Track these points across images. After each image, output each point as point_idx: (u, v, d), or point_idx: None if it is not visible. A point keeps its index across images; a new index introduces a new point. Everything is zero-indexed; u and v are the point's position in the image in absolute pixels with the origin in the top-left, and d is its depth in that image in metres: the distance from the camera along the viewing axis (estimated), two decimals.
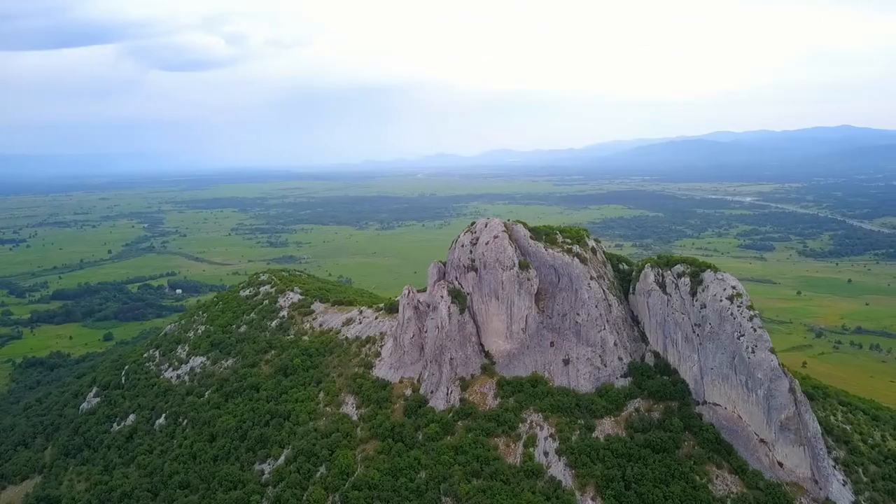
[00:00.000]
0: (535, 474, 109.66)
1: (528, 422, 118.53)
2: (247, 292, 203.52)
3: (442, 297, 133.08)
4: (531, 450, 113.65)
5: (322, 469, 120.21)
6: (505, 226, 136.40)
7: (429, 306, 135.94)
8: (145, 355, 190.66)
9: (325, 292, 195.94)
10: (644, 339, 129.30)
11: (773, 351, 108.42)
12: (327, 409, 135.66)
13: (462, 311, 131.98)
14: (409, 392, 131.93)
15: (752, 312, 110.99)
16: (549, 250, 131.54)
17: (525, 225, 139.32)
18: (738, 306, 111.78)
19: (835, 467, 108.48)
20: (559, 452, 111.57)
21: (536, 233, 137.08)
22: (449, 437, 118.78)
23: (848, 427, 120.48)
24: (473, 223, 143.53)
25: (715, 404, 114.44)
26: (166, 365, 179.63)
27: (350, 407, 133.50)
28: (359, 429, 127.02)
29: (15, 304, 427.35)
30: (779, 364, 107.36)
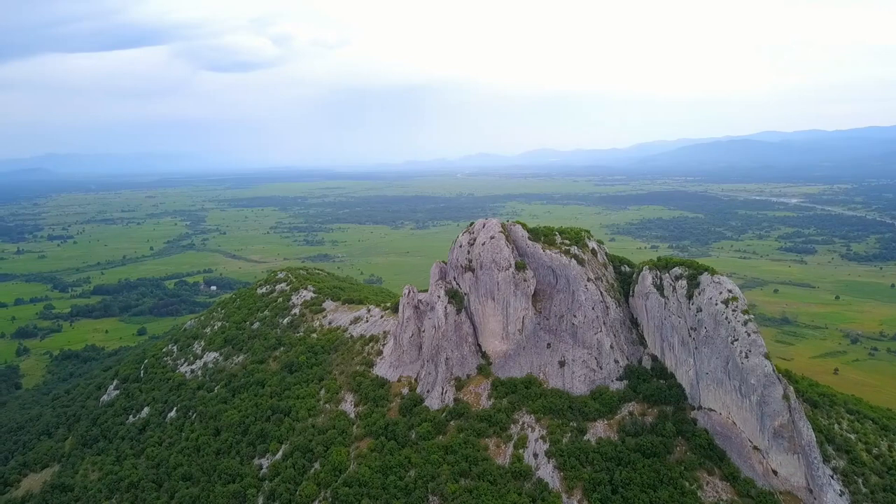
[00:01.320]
0: (522, 476, 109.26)
1: (520, 423, 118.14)
2: (263, 290, 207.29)
3: (439, 297, 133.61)
4: (521, 451, 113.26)
5: (316, 465, 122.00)
6: (503, 226, 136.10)
7: (428, 306, 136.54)
8: (164, 350, 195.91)
9: (339, 291, 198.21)
10: (643, 342, 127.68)
11: (767, 356, 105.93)
12: (327, 405, 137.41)
13: (459, 312, 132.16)
14: (406, 391, 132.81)
15: (746, 317, 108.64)
16: (547, 251, 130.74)
17: (524, 226, 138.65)
18: (733, 310, 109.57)
19: (832, 477, 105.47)
20: (549, 454, 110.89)
21: (535, 233, 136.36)
22: (440, 437, 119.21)
23: (853, 436, 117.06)
24: (472, 224, 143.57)
25: (710, 409, 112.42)
26: (182, 360, 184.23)
27: (348, 404, 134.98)
28: (355, 426, 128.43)
29: (58, 298, 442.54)
30: (773, 370, 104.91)
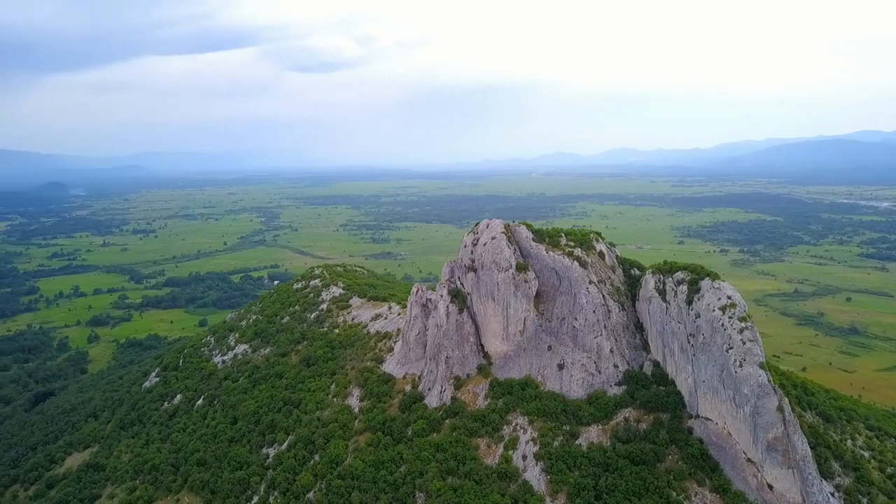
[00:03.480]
0: (508, 477, 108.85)
1: (513, 424, 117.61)
2: (299, 285, 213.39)
3: (442, 296, 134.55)
4: (510, 452, 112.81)
5: (316, 457, 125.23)
6: (506, 227, 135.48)
7: (434, 304, 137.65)
8: (203, 341, 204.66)
9: (370, 288, 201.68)
10: (647, 347, 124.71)
11: (762, 366, 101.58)
12: (335, 399, 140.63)
13: (461, 311, 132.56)
14: (408, 388, 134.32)
15: (743, 324, 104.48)
16: (550, 253, 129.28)
17: (529, 226, 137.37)
18: (730, 317, 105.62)
19: (833, 494, 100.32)
20: (537, 457, 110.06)
21: (539, 234, 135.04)
22: (434, 435, 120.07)
23: (866, 453, 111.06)
24: (477, 224, 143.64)
25: (707, 419, 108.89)
26: (217, 351, 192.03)
27: (354, 399, 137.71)
28: (357, 421, 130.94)
29: (132, 289, 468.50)
30: (768, 380, 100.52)
